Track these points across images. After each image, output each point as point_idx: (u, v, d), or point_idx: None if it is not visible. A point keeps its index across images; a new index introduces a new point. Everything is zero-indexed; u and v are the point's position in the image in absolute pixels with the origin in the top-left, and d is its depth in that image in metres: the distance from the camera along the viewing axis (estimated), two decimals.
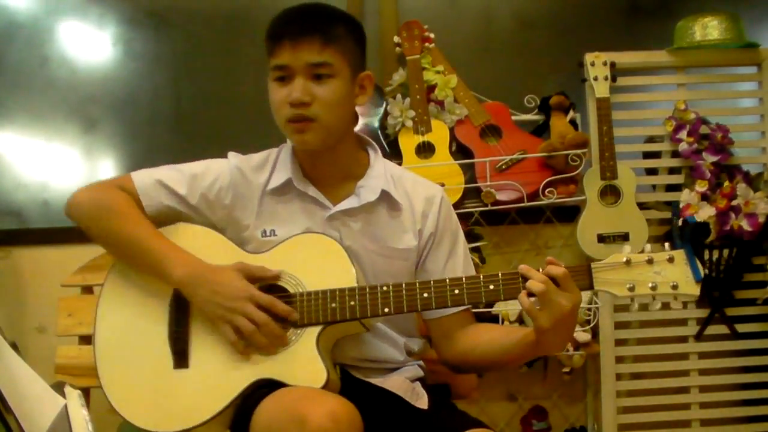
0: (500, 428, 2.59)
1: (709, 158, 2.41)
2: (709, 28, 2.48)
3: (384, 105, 2.46)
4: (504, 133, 2.46)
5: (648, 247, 1.41)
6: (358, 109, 1.75)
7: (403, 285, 1.45)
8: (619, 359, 2.50)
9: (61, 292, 2.08)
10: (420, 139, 2.41)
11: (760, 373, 2.52)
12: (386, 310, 1.44)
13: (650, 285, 1.37)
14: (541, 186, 2.38)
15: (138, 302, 1.54)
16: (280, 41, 1.48)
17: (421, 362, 1.63)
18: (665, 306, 1.41)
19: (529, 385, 2.62)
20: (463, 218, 2.36)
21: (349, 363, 1.54)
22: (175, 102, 2.69)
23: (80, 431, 1.28)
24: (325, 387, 1.39)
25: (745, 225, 2.37)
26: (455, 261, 1.60)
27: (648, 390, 2.50)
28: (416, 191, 1.61)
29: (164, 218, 1.57)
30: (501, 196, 2.39)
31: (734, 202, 2.37)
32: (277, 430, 1.29)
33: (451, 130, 2.46)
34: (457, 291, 1.43)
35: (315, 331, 1.44)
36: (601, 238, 2.38)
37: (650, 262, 1.38)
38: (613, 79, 2.45)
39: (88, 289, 2.08)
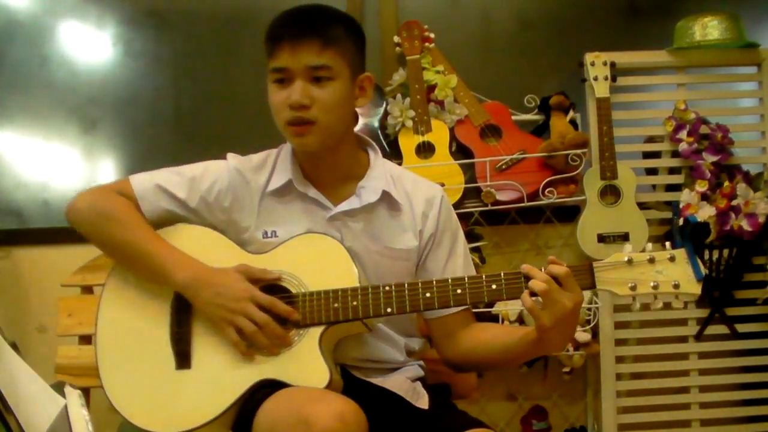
0: (500, 428, 2.59)
1: (709, 158, 2.41)
2: (709, 28, 2.48)
3: (384, 105, 2.46)
4: (504, 133, 2.46)
5: (649, 246, 1.41)
6: (358, 109, 1.75)
7: (406, 285, 1.45)
8: (619, 359, 2.50)
9: (61, 292, 2.09)
10: (420, 139, 2.41)
11: (760, 373, 2.52)
12: (389, 310, 1.44)
13: (652, 284, 1.38)
14: (541, 186, 2.38)
15: (140, 303, 1.53)
16: (280, 43, 1.47)
17: (421, 362, 1.63)
18: (666, 305, 1.41)
19: (529, 385, 2.62)
20: (463, 218, 2.36)
21: (350, 363, 1.54)
22: (176, 102, 2.69)
23: (80, 431, 1.28)
24: (328, 387, 1.39)
25: (745, 225, 2.37)
26: (455, 260, 1.60)
27: (648, 390, 2.50)
28: (416, 192, 1.61)
29: (164, 222, 1.57)
30: (501, 196, 2.39)
31: (734, 202, 2.37)
32: (282, 430, 1.29)
33: (451, 130, 2.46)
34: (459, 291, 1.43)
35: (317, 331, 1.44)
36: (601, 238, 2.38)
37: (652, 261, 1.38)
38: (613, 79, 2.45)
39: (88, 289, 2.08)
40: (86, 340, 2.03)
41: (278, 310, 1.44)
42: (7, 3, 2.66)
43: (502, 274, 1.42)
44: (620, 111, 2.49)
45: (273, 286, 1.48)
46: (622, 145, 2.46)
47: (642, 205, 2.43)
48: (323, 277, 1.47)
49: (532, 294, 1.35)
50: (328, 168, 1.57)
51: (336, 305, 1.44)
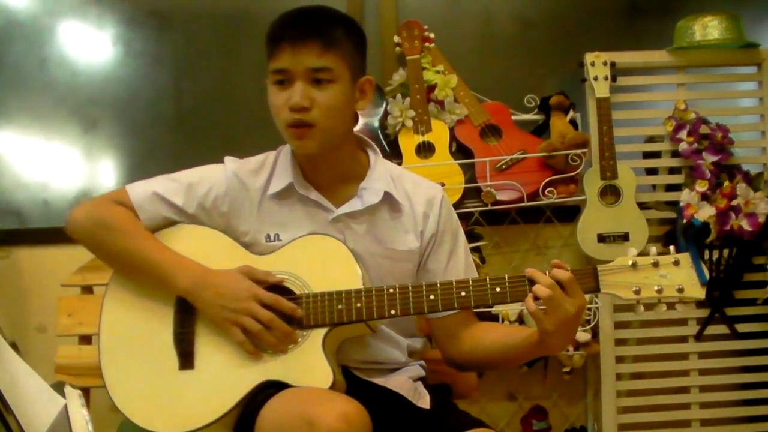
0: (500, 428, 2.59)
1: (709, 158, 2.41)
2: (709, 28, 2.48)
3: (384, 105, 2.46)
4: (504, 132, 2.46)
5: (653, 249, 1.41)
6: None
7: (410, 287, 1.45)
8: (619, 359, 2.50)
9: (61, 292, 2.09)
10: (420, 139, 2.41)
11: (760, 373, 2.52)
12: (392, 312, 1.44)
13: (656, 288, 1.38)
14: (541, 186, 2.38)
15: (143, 303, 1.53)
16: (280, 45, 1.47)
17: (422, 362, 1.63)
18: (669, 305, 1.41)
19: (529, 385, 2.62)
20: (463, 218, 2.36)
21: (352, 365, 1.54)
22: (176, 102, 2.69)
23: (80, 431, 1.28)
24: (332, 388, 1.39)
25: (745, 225, 2.37)
26: (456, 261, 1.60)
27: (648, 390, 2.50)
28: (417, 192, 1.61)
29: (162, 229, 1.56)
30: (501, 196, 2.39)
31: (734, 202, 2.37)
32: (286, 431, 1.29)
33: (451, 130, 2.46)
34: (463, 293, 1.43)
35: (321, 332, 1.44)
36: (601, 238, 2.39)
37: (656, 265, 1.39)
38: (613, 79, 2.45)
39: (88, 289, 2.08)
40: (86, 340, 2.04)
41: (282, 308, 1.44)
42: (7, 3, 2.66)
43: (506, 277, 1.42)
44: (620, 111, 2.49)
45: (277, 287, 1.48)
46: (622, 145, 2.46)
47: (642, 205, 2.43)
48: (327, 278, 1.47)
49: (536, 298, 1.35)
50: (328, 170, 1.57)
51: (340, 307, 1.44)
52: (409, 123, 2.42)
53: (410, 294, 1.44)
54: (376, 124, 2.43)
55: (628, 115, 2.52)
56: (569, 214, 2.55)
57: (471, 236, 2.38)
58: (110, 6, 2.67)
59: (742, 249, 2.44)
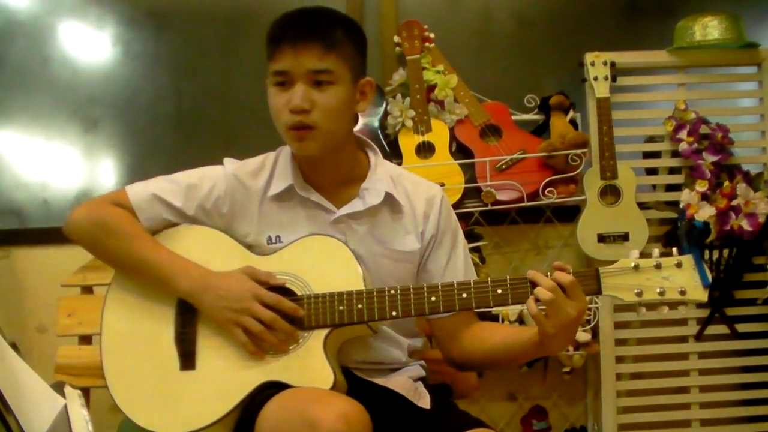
0: (500, 428, 2.59)
1: (709, 158, 2.41)
2: (709, 28, 2.48)
3: (384, 105, 2.46)
4: (504, 132, 2.46)
5: (656, 251, 1.41)
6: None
7: (411, 288, 1.45)
8: (619, 359, 2.50)
9: (61, 292, 2.08)
10: (420, 139, 2.41)
11: (760, 373, 2.52)
12: (394, 313, 1.44)
13: (658, 290, 1.38)
14: (541, 186, 2.38)
15: (145, 303, 1.53)
16: (281, 46, 1.46)
17: (422, 362, 1.63)
18: (670, 306, 1.41)
19: (529, 385, 2.62)
20: (463, 218, 2.36)
21: (353, 366, 1.54)
22: (176, 102, 2.69)
23: (80, 431, 1.28)
24: (333, 389, 1.39)
25: (745, 225, 2.37)
26: (456, 260, 1.60)
27: (648, 390, 2.50)
28: (417, 192, 1.61)
29: (162, 230, 1.56)
30: (501, 196, 2.39)
31: (734, 202, 2.37)
32: (287, 431, 1.29)
33: (451, 130, 2.46)
34: (465, 295, 1.43)
35: (322, 333, 1.44)
36: (601, 238, 2.39)
37: (658, 267, 1.39)
38: (613, 79, 2.45)
39: (88, 289, 2.08)
40: (86, 340, 2.03)
41: (284, 308, 1.44)
42: (7, 3, 2.66)
43: (507, 279, 1.42)
44: (620, 111, 2.49)
45: (278, 288, 1.48)
46: (622, 145, 2.46)
47: (642, 205, 2.43)
48: (328, 279, 1.47)
49: (537, 300, 1.35)
50: (328, 171, 1.56)
51: (341, 308, 1.44)
52: (409, 123, 2.42)
53: (411, 295, 1.44)
54: (376, 124, 2.43)
55: (628, 115, 2.52)
56: (569, 214, 2.55)
57: (471, 236, 2.38)
58: (110, 6, 2.67)
59: (742, 249, 2.44)
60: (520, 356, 1.52)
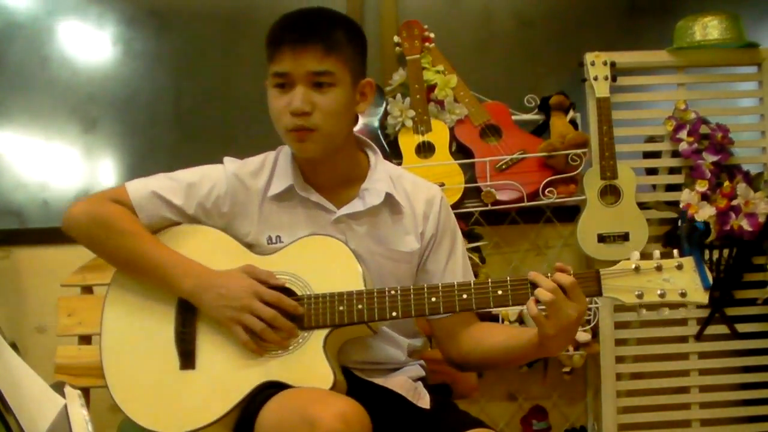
0: (500, 428, 2.59)
1: (709, 158, 2.41)
2: (709, 28, 2.48)
3: (384, 105, 2.46)
4: (504, 132, 2.46)
5: (657, 253, 1.40)
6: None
7: (411, 289, 1.45)
8: (619, 359, 2.50)
9: (61, 292, 2.08)
10: (420, 138, 2.41)
11: (760, 373, 2.52)
12: (394, 313, 1.44)
13: (659, 292, 1.38)
14: (541, 186, 2.38)
15: (145, 302, 1.53)
16: (281, 48, 1.46)
17: (422, 362, 1.64)
18: (671, 308, 1.40)
19: (529, 385, 2.62)
20: (463, 218, 2.36)
21: (352, 366, 1.54)
22: (176, 102, 2.69)
23: (80, 431, 1.28)
24: (333, 389, 1.39)
25: (745, 225, 2.37)
26: (455, 261, 1.60)
27: (648, 390, 2.50)
28: (416, 193, 1.61)
29: (161, 228, 1.56)
30: (501, 196, 2.39)
31: (734, 202, 2.37)
32: (286, 431, 1.29)
33: (451, 129, 2.46)
34: (465, 296, 1.43)
35: (322, 333, 1.44)
36: (601, 238, 2.39)
37: (659, 269, 1.38)
38: (614, 79, 2.45)
39: (88, 289, 2.08)
40: (86, 340, 2.03)
41: (284, 306, 1.44)
42: (7, 3, 2.66)
43: (508, 280, 1.42)
44: (620, 111, 2.49)
45: (278, 288, 1.48)
46: (622, 145, 2.46)
47: (642, 205, 2.43)
48: (328, 278, 1.47)
49: (537, 301, 1.35)
50: (328, 172, 1.56)
51: (341, 308, 1.44)
52: (409, 123, 2.42)
53: (412, 296, 1.44)
54: (376, 124, 2.43)
55: (628, 115, 2.52)
56: (569, 214, 2.55)
57: (471, 236, 2.38)
58: (110, 5, 2.67)
59: (742, 249, 2.44)
60: (520, 357, 1.52)
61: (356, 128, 2.10)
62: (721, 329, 2.50)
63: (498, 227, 2.56)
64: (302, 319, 1.45)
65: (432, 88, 2.46)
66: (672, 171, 2.53)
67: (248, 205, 1.56)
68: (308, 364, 1.43)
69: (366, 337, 1.52)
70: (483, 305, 1.44)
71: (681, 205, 2.40)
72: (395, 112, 2.43)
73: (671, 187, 2.50)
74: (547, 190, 2.38)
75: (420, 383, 1.56)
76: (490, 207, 2.40)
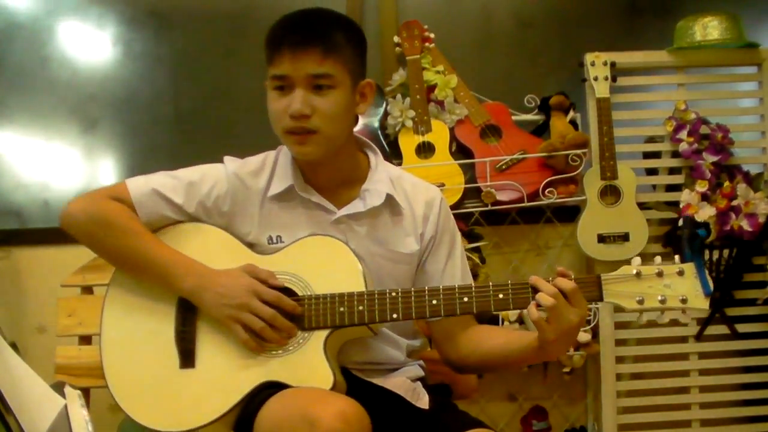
0: (500, 428, 2.59)
1: (709, 158, 2.41)
2: (709, 28, 2.48)
3: (384, 105, 2.46)
4: (504, 133, 2.46)
5: (658, 259, 1.41)
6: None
7: (412, 291, 1.45)
8: (619, 359, 2.50)
9: (61, 292, 2.08)
10: (420, 139, 2.41)
11: (760, 373, 2.52)
12: (394, 315, 1.44)
13: (659, 298, 1.38)
14: (541, 186, 2.38)
15: (145, 300, 1.53)
16: (280, 50, 1.45)
17: (421, 362, 1.63)
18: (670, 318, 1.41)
19: (529, 385, 2.62)
20: (463, 218, 2.36)
21: (351, 366, 1.54)
22: (176, 102, 2.69)
23: (80, 431, 1.28)
24: (332, 390, 1.39)
25: (745, 225, 2.37)
26: (454, 262, 1.60)
27: (648, 390, 2.50)
28: (416, 194, 1.60)
29: (161, 226, 1.56)
30: (501, 196, 2.39)
31: (734, 202, 2.37)
32: (285, 430, 1.29)
33: (451, 130, 2.46)
34: (466, 299, 1.43)
35: (323, 334, 1.44)
36: (601, 238, 2.39)
37: (660, 275, 1.38)
38: (614, 79, 2.45)
39: (88, 289, 2.08)
40: (86, 340, 2.03)
41: (283, 305, 1.44)
42: (7, 3, 2.66)
43: (509, 284, 1.42)
44: (620, 111, 2.49)
45: (279, 288, 1.48)
46: (622, 145, 2.46)
47: (642, 205, 2.43)
48: (329, 278, 1.47)
49: (538, 306, 1.35)
50: (328, 172, 1.56)
51: (342, 309, 1.44)
52: (409, 123, 2.42)
53: (413, 298, 1.44)
54: (376, 124, 2.43)
55: (628, 115, 2.52)
56: (569, 214, 2.55)
57: (471, 236, 2.38)
58: (110, 6, 2.67)
59: (742, 249, 2.44)
60: (519, 361, 1.52)
61: (356, 128, 2.09)
62: (721, 329, 2.50)
63: (498, 227, 2.56)
64: (302, 320, 1.45)
65: (432, 88, 2.46)
66: (672, 171, 2.53)
67: (248, 204, 1.56)
68: (308, 365, 1.42)
69: (365, 338, 1.52)
70: (484, 308, 1.43)
71: (681, 206, 2.40)
72: (395, 112, 2.43)
73: (671, 188, 2.50)
74: (547, 190, 2.38)
75: (419, 383, 1.56)
76: (490, 207, 2.40)
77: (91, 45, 2.69)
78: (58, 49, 2.67)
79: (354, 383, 1.49)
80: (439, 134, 2.42)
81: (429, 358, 1.67)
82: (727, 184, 2.39)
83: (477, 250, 2.39)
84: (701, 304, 1.38)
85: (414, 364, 1.61)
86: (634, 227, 2.39)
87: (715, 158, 2.41)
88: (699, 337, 2.51)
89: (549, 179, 2.39)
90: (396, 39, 2.51)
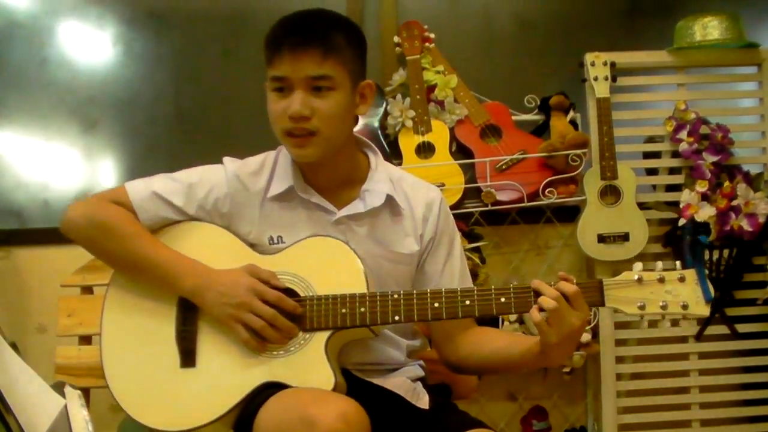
0: (500, 428, 2.59)
1: (709, 158, 2.41)
2: (709, 28, 2.48)
3: (384, 105, 2.46)
4: (504, 133, 2.46)
5: (659, 264, 1.41)
6: None
7: (414, 294, 1.45)
8: (619, 359, 2.50)
9: (61, 292, 2.08)
10: (420, 139, 2.41)
11: (760, 373, 2.52)
12: (396, 318, 1.44)
13: (661, 304, 1.38)
14: (541, 186, 2.38)
15: (146, 300, 1.53)
16: (280, 52, 1.45)
17: (421, 362, 1.63)
18: (672, 322, 1.41)
19: (529, 385, 2.62)
20: (464, 218, 2.37)
21: (351, 367, 1.54)
22: (175, 102, 2.69)
23: (80, 431, 1.28)
24: (333, 391, 1.39)
25: (746, 225, 2.37)
26: (452, 263, 1.60)
27: (648, 390, 2.50)
28: (416, 195, 1.60)
29: (164, 228, 1.56)
30: (501, 196, 2.39)
31: (734, 202, 2.37)
32: (285, 430, 1.28)
33: (451, 130, 2.46)
34: (468, 302, 1.43)
35: (324, 335, 1.44)
36: (601, 238, 2.39)
37: (661, 280, 1.39)
38: (614, 79, 2.45)
39: (88, 289, 2.08)
40: (86, 340, 2.03)
41: (284, 306, 1.44)
42: (6, 3, 2.66)
43: (511, 288, 1.42)
44: (620, 111, 2.49)
45: (281, 289, 1.48)
46: (622, 145, 2.46)
47: (642, 205, 2.43)
48: (331, 279, 1.47)
49: (541, 309, 1.35)
50: (328, 173, 1.56)
51: (344, 311, 1.44)
52: (409, 123, 2.42)
53: (415, 300, 1.44)
54: (376, 124, 2.43)
55: (628, 115, 2.52)
56: (569, 214, 2.55)
57: (471, 236, 2.38)
58: (110, 6, 2.67)
59: (742, 249, 2.44)
60: (520, 364, 1.51)
61: (356, 129, 2.09)
62: (721, 329, 2.50)
63: (498, 227, 2.56)
64: (302, 320, 1.45)
65: (432, 88, 2.46)
66: (672, 171, 2.53)
67: (248, 205, 1.56)
68: (310, 366, 1.42)
69: (365, 339, 1.52)
70: (486, 312, 1.43)
71: (681, 206, 2.40)
72: (395, 112, 2.43)
73: (671, 188, 2.50)
74: (548, 190, 2.38)
75: (419, 383, 1.56)
76: (490, 207, 2.40)
77: (90, 45, 2.69)
78: (57, 49, 2.67)
79: (354, 383, 1.49)
80: (439, 134, 2.42)
81: (429, 358, 1.67)
82: (727, 184, 2.39)
83: (477, 250, 2.39)
84: (702, 310, 1.38)
85: (414, 364, 1.61)
86: (634, 227, 2.39)
87: (715, 158, 2.41)
88: (699, 337, 2.51)
89: (549, 179, 2.39)
90: (396, 39, 2.51)
